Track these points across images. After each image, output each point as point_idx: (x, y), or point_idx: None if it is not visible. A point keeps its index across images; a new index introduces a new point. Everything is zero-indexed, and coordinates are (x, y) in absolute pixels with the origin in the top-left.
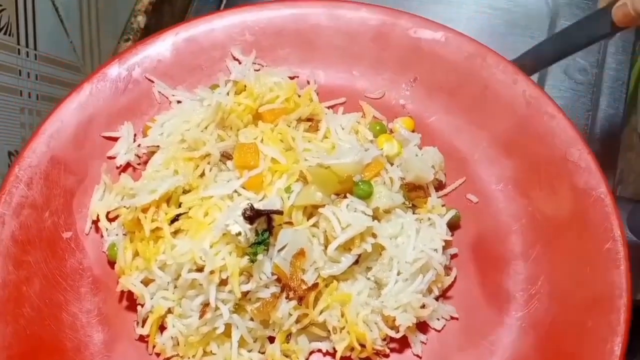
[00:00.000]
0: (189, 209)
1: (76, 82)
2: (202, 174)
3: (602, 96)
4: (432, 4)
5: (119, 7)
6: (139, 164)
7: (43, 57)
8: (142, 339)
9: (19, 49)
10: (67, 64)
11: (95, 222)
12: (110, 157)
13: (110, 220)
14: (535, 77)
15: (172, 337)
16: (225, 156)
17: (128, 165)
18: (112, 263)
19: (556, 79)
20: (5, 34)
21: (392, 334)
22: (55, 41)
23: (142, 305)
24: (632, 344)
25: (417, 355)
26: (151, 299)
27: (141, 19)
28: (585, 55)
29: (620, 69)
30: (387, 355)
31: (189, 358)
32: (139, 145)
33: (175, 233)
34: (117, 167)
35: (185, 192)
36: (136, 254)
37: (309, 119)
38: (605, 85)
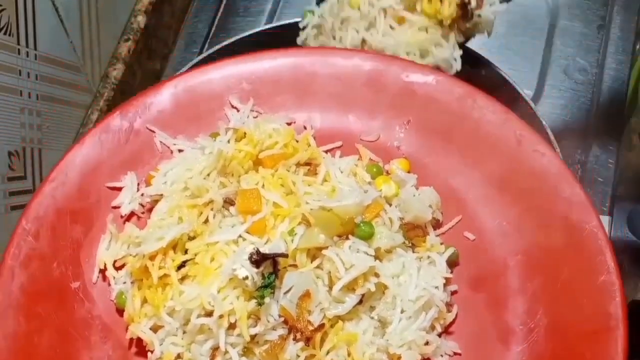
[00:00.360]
0: (195, 255)
1: (76, 82)
2: (206, 221)
3: (602, 96)
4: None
5: (119, 7)
6: (142, 213)
7: (43, 57)
8: None
9: (18, 49)
10: (67, 64)
11: (103, 271)
12: (115, 207)
13: (117, 268)
14: (535, 76)
15: None
16: (228, 202)
17: (132, 214)
18: (120, 311)
19: (556, 79)
20: (5, 34)
21: None
22: (55, 41)
23: (152, 352)
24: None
25: None
26: (160, 345)
27: (141, 19)
28: (585, 55)
29: (620, 69)
30: None
31: None
32: (142, 195)
33: (183, 279)
34: (122, 217)
35: (190, 238)
36: (144, 301)
37: (307, 163)
38: (605, 85)
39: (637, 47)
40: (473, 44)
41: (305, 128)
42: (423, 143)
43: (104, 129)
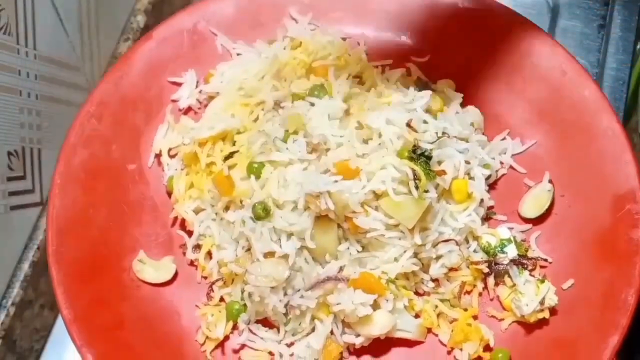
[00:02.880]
0: (241, 146)
1: (75, 82)
2: (257, 119)
3: None
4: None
5: (119, 7)
6: (199, 108)
7: (42, 57)
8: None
9: (18, 49)
10: (67, 63)
11: (158, 157)
12: (174, 100)
13: (171, 156)
14: None
15: (217, 262)
16: (278, 104)
17: (189, 109)
18: (170, 194)
19: None
20: (4, 33)
21: None
22: (55, 41)
23: (192, 233)
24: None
25: None
26: (199, 226)
27: (141, 19)
28: (586, 55)
29: (620, 69)
30: None
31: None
32: (200, 91)
33: (228, 169)
34: (180, 110)
35: (239, 133)
36: (191, 186)
37: (357, 76)
38: (605, 85)
39: (638, 47)
40: None
41: (358, 44)
42: (471, 67)
43: (169, 28)
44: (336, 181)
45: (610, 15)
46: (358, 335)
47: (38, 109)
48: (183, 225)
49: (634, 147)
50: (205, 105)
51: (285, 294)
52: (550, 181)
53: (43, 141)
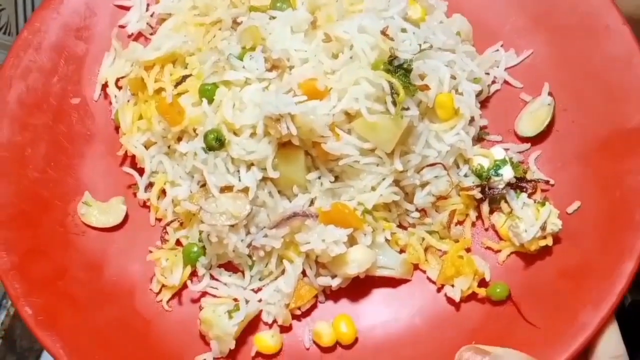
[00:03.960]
0: (193, 69)
1: None
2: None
3: None
4: None
5: None
6: (151, 34)
7: None
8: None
9: None
10: None
11: (105, 89)
12: (121, 26)
13: (119, 87)
14: None
15: (172, 201)
16: (237, 23)
17: (140, 35)
18: (118, 129)
19: None
20: (4, 33)
21: None
22: None
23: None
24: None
25: None
26: (150, 162)
27: None
28: None
29: None
30: None
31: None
32: (152, 14)
33: (179, 95)
34: (129, 36)
35: (192, 55)
36: (140, 117)
37: None
38: None
39: None
40: None
41: None
42: None
43: None
44: (300, 102)
45: None
46: (334, 276)
47: None
48: (133, 162)
49: None
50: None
51: (249, 232)
52: (550, 94)
53: None
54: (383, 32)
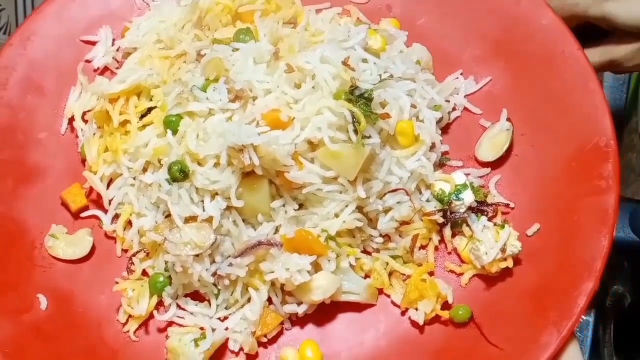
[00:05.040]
0: (158, 101)
1: None
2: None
3: None
4: None
5: None
6: (117, 68)
7: None
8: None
9: None
10: None
11: (71, 122)
12: (88, 61)
13: (85, 121)
14: None
15: (138, 232)
16: (201, 55)
17: (106, 69)
18: (85, 162)
19: None
20: (4, 33)
21: None
22: None
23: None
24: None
25: None
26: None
27: None
28: None
29: None
30: None
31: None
32: (118, 49)
33: (144, 127)
34: (95, 70)
35: (157, 88)
36: (105, 150)
37: (290, 22)
38: (605, 85)
39: None
40: None
41: None
42: (416, 5)
43: None
44: (263, 132)
45: None
46: (300, 303)
47: None
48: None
49: (634, 147)
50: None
51: (213, 261)
52: (508, 119)
53: None
54: (344, 63)
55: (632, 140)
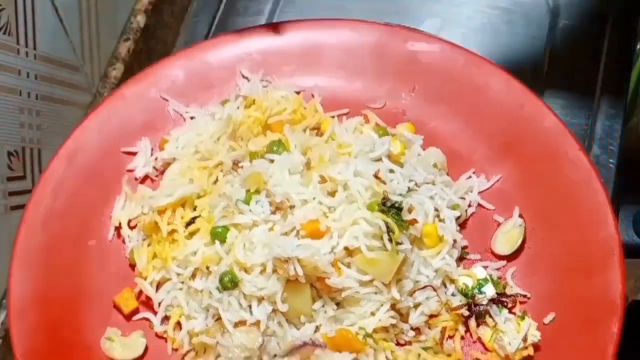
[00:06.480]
0: (202, 211)
1: (75, 82)
2: (216, 181)
3: (602, 96)
4: (432, 3)
5: (119, 7)
6: (156, 176)
7: (42, 57)
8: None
9: (18, 49)
10: (67, 63)
11: (118, 230)
12: (129, 170)
13: (131, 227)
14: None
15: (188, 333)
16: (236, 164)
17: (146, 177)
18: (133, 266)
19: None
20: (4, 33)
21: None
22: (55, 41)
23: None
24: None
25: None
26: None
27: (141, 19)
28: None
29: (620, 69)
30: None
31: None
32: (156, 159)
33: (190, 235)
34: (136, 179)
35: (199, 197)
36: (154, 256)
37: (315, 128)
38: (605, 85)
39: (638, 47)
40: (471, 44)
41: (313, 96)
42: (428, 109)
43: (119, 98)
44: (302, 244)
45: (610, 16)
46: None
47: (38, 109)
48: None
49: (634, 147)
50: (162, 172)
51: None
52: (520, 215)
53: (43, 141)
54: (376, 176)
55: (632, 140)
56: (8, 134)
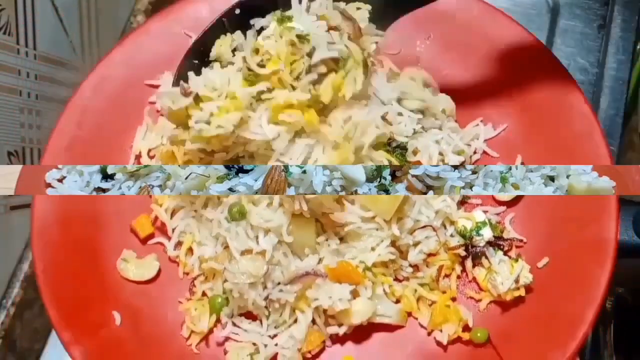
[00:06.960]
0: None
1: (76, 82)
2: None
3: (603, 96)
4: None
5: (119, 7)
6: None
7: (42, 57)
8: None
9: (18, 49)
10: (67, 63)
11: (138, 159)
12: (151, 102)
13: (151, 157)
14: None
15: (198, 259)
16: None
17: None
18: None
19: None
20: (4, 33)
21: None
22: (55, 41)
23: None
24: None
25: None
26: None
27: (141, 19)
28: (586, 55)
29: (620, 68)
30: None
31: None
32: None
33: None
34: (158, 111)
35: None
36: None
37: None
38: (605, 85)
39: (638, 47)
40: None
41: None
42: (442, 57)
43: (143, 32)
44: None
45: (610, 16)
46: (340, 325)
47: (38, 109)
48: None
49: (634, 147)
50: None
51: (265, 287)
52: (522, 164)
53: (43, 141)
54: (383, 117)
55: (632, 139)
56: (8, 134)
